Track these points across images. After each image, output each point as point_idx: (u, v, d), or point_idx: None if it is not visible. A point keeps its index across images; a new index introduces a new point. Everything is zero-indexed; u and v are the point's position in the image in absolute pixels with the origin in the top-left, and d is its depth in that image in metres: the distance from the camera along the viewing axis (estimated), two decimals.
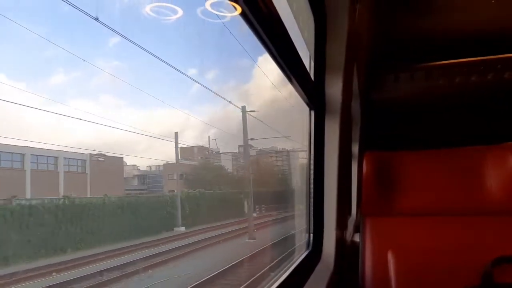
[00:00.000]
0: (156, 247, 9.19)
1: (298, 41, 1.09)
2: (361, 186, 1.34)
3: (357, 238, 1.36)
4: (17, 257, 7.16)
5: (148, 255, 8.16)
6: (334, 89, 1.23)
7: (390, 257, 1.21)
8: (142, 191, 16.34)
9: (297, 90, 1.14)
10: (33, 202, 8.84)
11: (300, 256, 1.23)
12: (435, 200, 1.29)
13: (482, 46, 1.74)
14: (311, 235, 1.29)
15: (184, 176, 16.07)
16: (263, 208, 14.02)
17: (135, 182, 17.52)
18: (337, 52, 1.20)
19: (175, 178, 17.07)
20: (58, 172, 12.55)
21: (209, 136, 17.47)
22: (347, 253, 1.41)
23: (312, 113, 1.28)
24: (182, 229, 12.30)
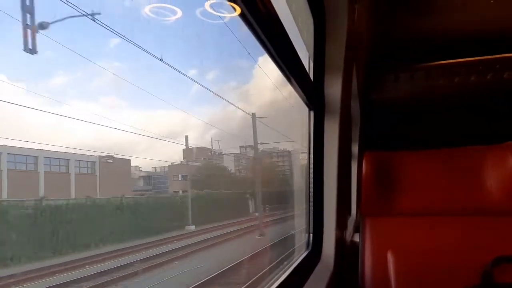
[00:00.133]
0: (172, 244, 9.76)
1: (297, 42, 1.06)
2: (360, 186, 1.31)
3: (356, 238, 1.33)
4: (59, 250, 8.06)
5: (169, 249, 8.78)
6: (334, 89, 1.20)
7: (390, 257, 1.18)
8: (148, 192, 16.43)
9: (296, 91, 1.11)
10: (59, 202, 9.49)
11: (299, 256, 1.20)
12: (435, 200, 1.26)
13: (481, 46, 1.70)
14: (311, 235, 1.26)
15: (188, 177, 16.09)
16: (267, 208, 14.14)
17: (141, 183, 17.59)
18: (337, 52, 1.17)
19: (180, 179, 17.15)
20: (70, 174, 12.70)
21: (211, 138, 17.47)
22: (347, 253, 1.38)
23: (312, 113, 1.25)
24: (193, 227, 12.57)
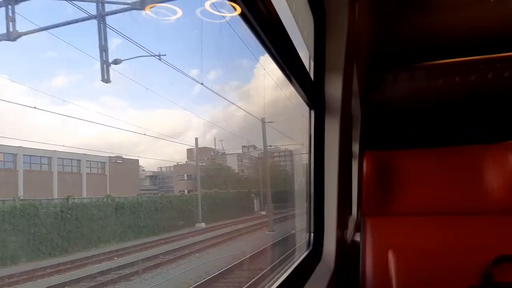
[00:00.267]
0: (187, 239, 10.20)
1: (297, 41, 1.03)
2: (361, 186, 1.26)
3: (357, 237, 1.29)
4: (91, 243, 8.94)
5: (187, 244, 9.30)
6: (334, 88, 1.16)
7: (390, 256, 1.14)
8: (153, 191, 16.56)
9: (297, 90, 1.08)
10: (84, 200, 10.08)
11: (300, 255, 1.16)
12: (435, 199, 1.22)
13: (482, 45, 1.65)
14: (312, 234, 1.22)
15: (198, 176, 16.10)
16: (272, 206, 14.22)
17: (147, 182, 17.65)
18: (337, 51, 1.14)
19: (185, 178, 17.18)
20: (81, 173, 12.85)
21: (215, 138, 17.43)
22: (348, 252, 1.35)
23: (312, 112, 1.21)
24: (203, 225, 12.84)
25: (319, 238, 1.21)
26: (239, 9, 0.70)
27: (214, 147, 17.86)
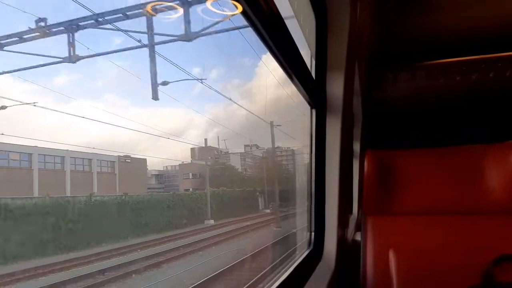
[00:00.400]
0: (201, 234, 10.55)
1: (299, 40, 0.99)
2: (362, 185, 1.22)
3: (358, 236, 1.24)
4: (115, 237, 9.43)
5: (201, 238, 9.63)
6: (335, 87, 1.12)
7: (391, 255, 1.10)
8: (159, 190, 16.70)
9: (298, 89, 1.04)
10: (104, 198, 10.52)
11: (301, 254, 1.12)
12: (436, 199, 1.18)
13: (483, 45, 1.59)
14: (312, 233, 1.18)
15: (198, 175, 16.18)
16: (276, 205, 14.36)
17: (153, 181, 17.70)
18: (338, 50, 1.09)
19: (190, 177, 17.23)
20: (92, 172, 13.00)
21: (218, 137, 17.36)
22: (348, 251, 1.30)
23: (313, 111, 1.17)
24: (212, 221, 13.07)
25: (320, 237, 1.17)
26: (240, 7, 0.67)
27: (217, 146, 17.82)
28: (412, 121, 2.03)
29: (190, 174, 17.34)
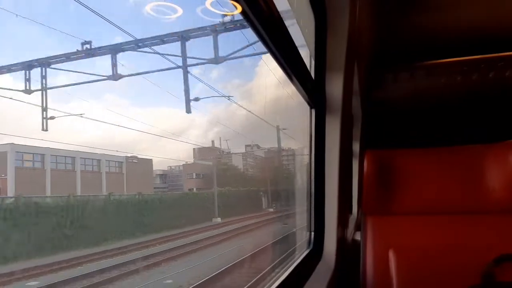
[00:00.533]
0: (213, 230, 10.85)
1: (298, 40, 0.95)
2: (362, 185, 1.18)
3: (358, 236, 1.20)
4: (134, 232, 9.75)
5: (214, 234, 9.96)
6: (335, 87, 1.08)
7: (391, 255, 1.06)
8: (163, 189, 16.82)
9: (297, 89, 1.00)
10: (121, 197, 11.03)
11: (301, 254, 1.08)
12: (436, 199, 1.13)
13: (484, 45, 1.54)
14: (312, 233, 1.14)
15: (202, 175, 16.20)
16: (279, 204, 14.44)
17: (157, 180, 17.71)
18: (338, 50, 1.05)
19: (194, 177, 17.25)
20: (101, 172, 13.11)
21: (220, 138, 17.28)
22: (348, 251, 1.26)
23: (313, 111, 1.13)
24: (219, 219, 13.24)
25: (320, 237, 1.14)
26: (240, 8, 0.64)
27: (219, 147, 17.76)
28: (412, 121, 1.97)
29: (194, 174, 17.35)
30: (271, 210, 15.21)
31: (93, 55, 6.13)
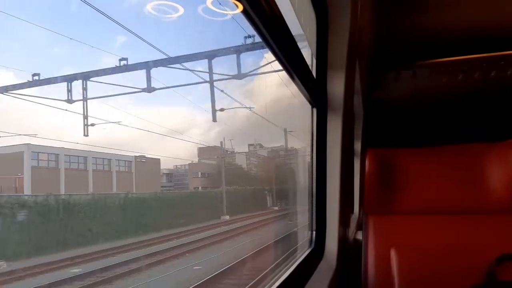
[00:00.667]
0: (220, 227, 11.13)
1: (300, 39, 0.92)
2: (363, 184, 1.13)
3: (359, 236, 1.16)
4: (153, 227, 10.07)
5: (226, 230, 10.27)
6: (336, 86, 1.04)
7: (393, 255, 1.02)
8: (169, 188, 16.96)
9: (299, 88, 0.96)
10: (138, 195, 11.47)
11: (302, 253, 1.04)
12: (438, 198, 1.09)
13: (484, 44, 1.48)
14: (314, 232, 1.10)
15: (207, 174, 16.21)
16: (283, 203, 14.49)
17: (164, 179, 17.76)
18: (339, 49, 1.02)
19: (199, 176, 17.29)
20: (112, 172, 13.25)
21: (224, 137, 17.21)
22: (350, 250, 1.21)
23: (314, 110, 1.09)
24: (227, 217, 13.34)
25: (321, 236, 1.09)
26: (241, 7, 0.61)
27: (223, 146, 17.70)
28: (413, 120, 1.91)
29: (199, 173, 17.37)
30: (276, 208, 15.24)
31: (129, 70, 6.80)
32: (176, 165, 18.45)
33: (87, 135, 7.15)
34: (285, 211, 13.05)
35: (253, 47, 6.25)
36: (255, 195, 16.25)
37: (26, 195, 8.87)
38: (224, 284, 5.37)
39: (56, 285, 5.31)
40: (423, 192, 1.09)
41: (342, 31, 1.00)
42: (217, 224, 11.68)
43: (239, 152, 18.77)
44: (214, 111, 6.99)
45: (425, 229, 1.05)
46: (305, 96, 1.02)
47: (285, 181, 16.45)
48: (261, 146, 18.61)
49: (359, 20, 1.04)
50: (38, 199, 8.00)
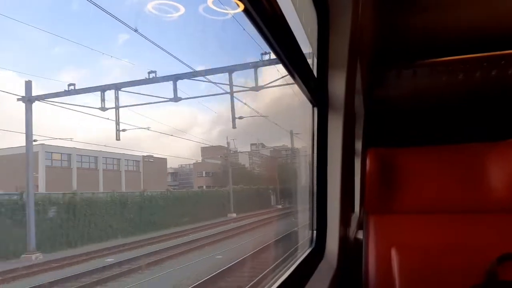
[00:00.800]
0: (230, 224, 11.48)
1: (301, 38, 0.88)
2: (364, 183, 1.09)
3: (360, 235, 1.12)
4: (168, 224, 10.58)
5: (235, 226, 10.68)
6: (337, 85, 1.00)
7: (393, 254, 0.98)
8: (175, 187, 17.10)
9: (300, 87, 0.93)
10: (153, 194, 11.83)
11: (303, 253, 1.00)
12: (439, 197, 1.05)
13: (486, 43, 1.42)
14: (314, 232, 1.06)
15: (211, 173, 16.18)
16: (286, 201, 14.51)
17: (169, 178, 17.81)
18: (340, 48, 0.98)
19: (203, 175, 17.30)
20: (120, 171, 13.37)
21: (227, 137, 17.20)
22: (350, 250, 1.17)
23: (315, 110, 1.05)
24: (234, 215, 13.68)
25: (322, 235, 1.06)
26: (242, 6, 0.58)
27: (229, 146, 17.65)
28: (414, 119, 1.86)
29: (204, 172, 17.36)
30: (280, 206, 15.25)
31: (157, 81, 7.49)
32: (181, 164, 18.47)
33: (119, 139, 7.98)
34: (288, 210, 13.08)
35: (269, 63, 6.92)
36: (259, 194, 16.28)
37: (54, 193, 9.31)
38: (240, 272, 5.86)
39: (103, 270, 6.04)
40: (424, 192, 1.05)
41: (343, 29, 0.96)
42: (226, 221, 12.02)
43: (242, 152, 18.71)
44: (234, 119, 7.82)
45: (426, 228, 1.01)
46: (306, 95, 0.99)
47: (287, 180, 16.39)
48: (263, 145, 18.52)
49: (360, 19, 1.00)
50: (66, 197, 8.59)
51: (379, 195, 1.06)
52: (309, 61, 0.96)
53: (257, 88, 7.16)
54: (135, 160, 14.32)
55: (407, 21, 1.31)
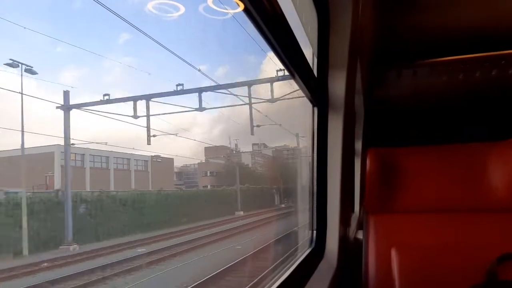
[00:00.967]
0: (238, 221, 11.61)
1: (301, 37, 0.84)
2: (364, 183, 1.05)
3: (360, 235, 1.08)
4: (182, 220, 10.78)
5: (244, 223, 10.78)
6: (337, 85, 0.96)
7: (393, 254, 0.94)
8: (180, 186, 17.17)
9: (300, 87, 0.89)
10: (168, 192, 12.04)
11: (303, 253, 0.96)
12: (439, 197, 1.00)
13: (486, 42, 1.37)
14: (314, 232, 1.02)
15: (215, 173, 16.15)
16: (289, 200, 14.54)
17: (174, 178, 17.84)
18: (340, 48, 0.94)
19: (208, 175, 17.29)
20: (130, 171, 13.47)
21: (229, 137, 17.11)
22: (350, 250, 1.13)
23: (315, 109, 1.01)
24: (241, 213, 13.73)
25: (322, 235, 1.01)
26: (242, 5, 0.55)
27: (235, 147, 17.60)
28: (414, 119, 1.80)
29: (208, 172, 17.34)
30: (283, 205, 15.26)
31: (183, 93, 8.04)
32: (185, 164, 18.46)
33: (149, 144, 8.30)
34: (292, 209, 13.09)
35: (283, 78, 7.03)
36: (264, 193, 16.30)
37: (85, 191, 9.56)
38: (261, 257, 6.34)
39: (138, 258, 6.39)
40: (424, 191, 1.01)
41: (344, 29, 0.92)
42: (235, 218, 12.24)
43: (245, 152, 18.64)
44: (252, 127, 8.30)
45: (426, 228, 0.97)
46: (306, 95, 0.95)
47: (290, 180, 16.32)
48: (265, 145, 18.42)
49: (360, 19, 0.96)
50: (94, 194, 9.03)
51: (379, 195, 1.02)
52: (310, 61, 0.92)
53: (273, 100, 7.59)
54: (144, 160, 14.40)
55: (407, 21, 1.26)
